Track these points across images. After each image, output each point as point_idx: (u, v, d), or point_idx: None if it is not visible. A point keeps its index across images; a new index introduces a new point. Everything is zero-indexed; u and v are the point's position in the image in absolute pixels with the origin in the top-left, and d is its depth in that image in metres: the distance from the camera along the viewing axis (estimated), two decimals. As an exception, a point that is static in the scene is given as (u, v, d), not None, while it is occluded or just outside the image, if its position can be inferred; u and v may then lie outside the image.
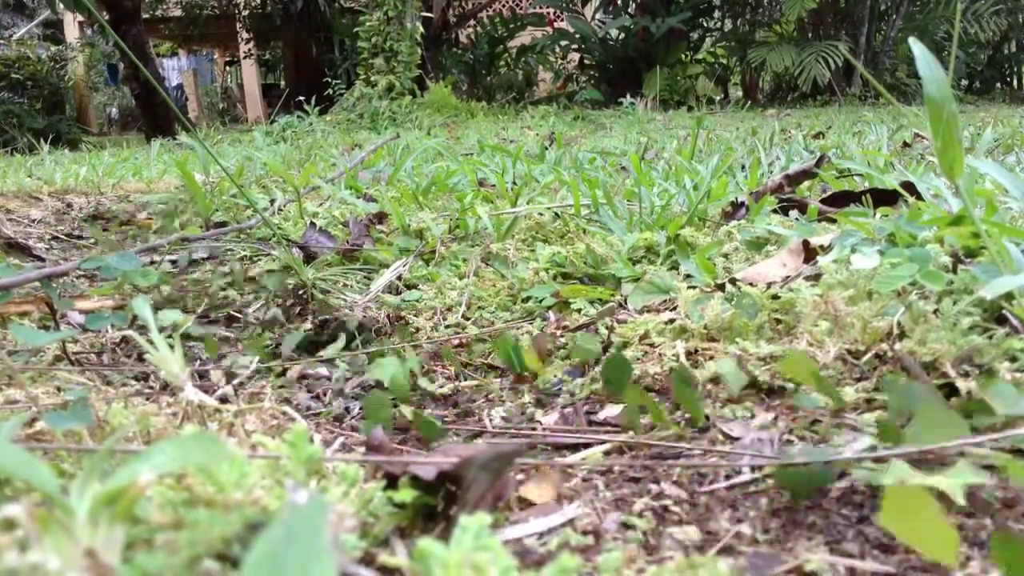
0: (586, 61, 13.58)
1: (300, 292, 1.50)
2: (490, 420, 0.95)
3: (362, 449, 0.82)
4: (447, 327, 1.31)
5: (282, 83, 16.36)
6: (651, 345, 1.08)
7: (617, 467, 0.78)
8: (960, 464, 0.65)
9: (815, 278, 1.14)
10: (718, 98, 12.73)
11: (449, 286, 1.48)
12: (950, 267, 1.04)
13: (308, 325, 1.30)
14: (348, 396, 1.07)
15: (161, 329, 0.99)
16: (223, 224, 2.09)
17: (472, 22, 14.01)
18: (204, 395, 0.80)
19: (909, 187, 1.60)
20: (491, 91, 12.97)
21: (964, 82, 12.83)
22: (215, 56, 19.19)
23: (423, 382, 1.08)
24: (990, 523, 0.63)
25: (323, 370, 1.17)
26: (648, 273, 1.31)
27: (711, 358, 0.99)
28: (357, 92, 9.52)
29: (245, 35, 14.37)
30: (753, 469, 0.74)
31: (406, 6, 9.65)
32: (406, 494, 0.64)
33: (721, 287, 1.24)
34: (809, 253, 1.25)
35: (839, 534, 0.63)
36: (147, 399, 0.96)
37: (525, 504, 0.71)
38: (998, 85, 13.08)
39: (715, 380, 0.95)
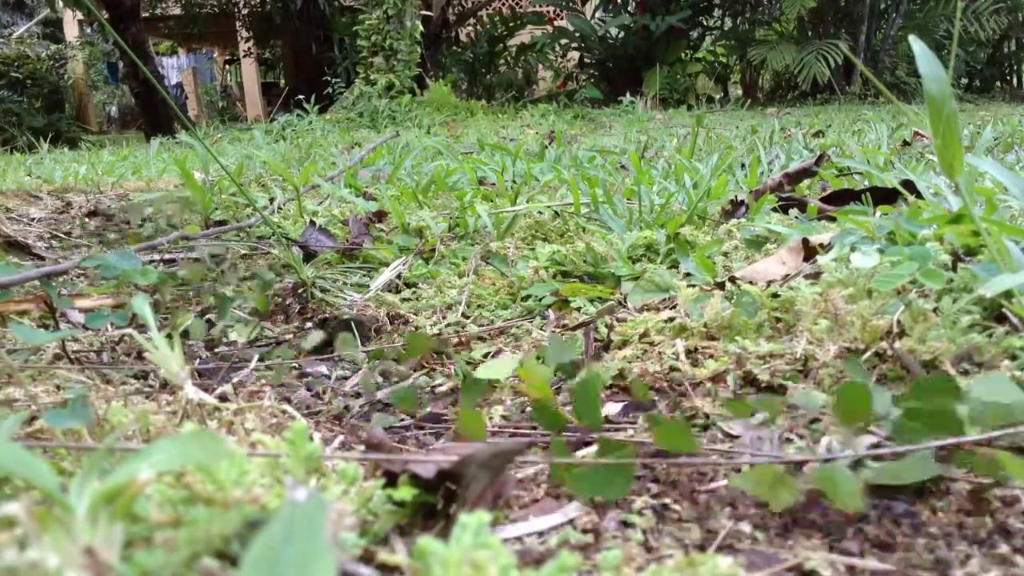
0: (586, 59, 13.57)
1: (300, 291, 1.50)
2: (490, 419, 0.95)
3: (361, 447, 0.82)
4: (447, 326, 1.31)
5: (282, 81, 16.35)
6: (651, 344, 1.08)
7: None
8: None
9: (815, 276, 1.14)
10: (718, 96, 12.72)
11: (449, 284, 1.48)
12: (950, 265, 1.04)
13: (308, 324, 1.30)
14: (347, 395, 1.07)
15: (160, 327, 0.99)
16: (223, 222, 2.09)
17: (472, 21, 14.00)
18: (203, 393, 0.80)
19: (909, 185, 1.60)
20: (491, 90, 12.97)
21: (964, 80, 12.82)
22: (215, 54, 19.17)
23: (423, 380, 1.09)
24: (990, 521, 0.63)
25: (323, 368, 1.17)
26: (648, 271, 1.31)
27: (711, 356, 0.99)
28: (357, 91, 9.51)
29: (244, 34, 14.35)
30: (753, 467, 0.73)
31: (406, 4, 9.65)
32: (405, 492, 0.64)
33: (721, 285, 1.24)
34: (809, 251, 1.25)
35: (839, 532, 0.63)
36: (146, 397, 0.96)
37: (525, 502, 0.71)
38: (998, 83, 13.07)
39: (715, 379, 0.95)
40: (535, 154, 3.41)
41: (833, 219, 1.49)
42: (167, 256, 1.79)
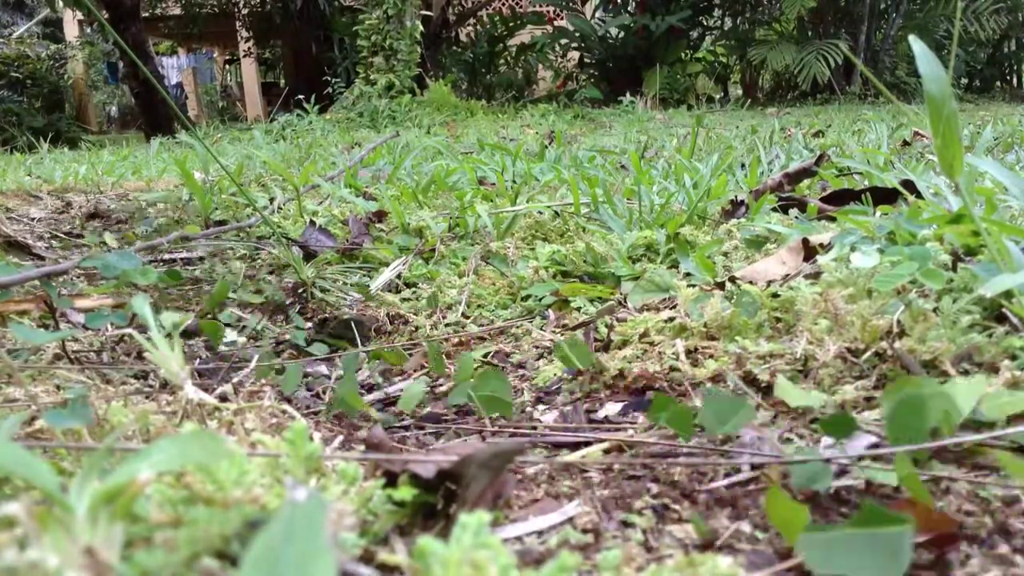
0: (586, 59, 13.57)
1: (300, 291, 1.50)
2: (490, 419, 0.95)
3: (362, 447, 0.82)
4: (447, 325, 1.31)
5: (282, 81, 16.35)
6: (651, 343, 1.08)
7: (617, 465, 0.78)
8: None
9: (815, 276, 1.14)
10: (718, 96, 12.72)
11: (449, 284, 1.48)
12: (950, 265, 1.04)
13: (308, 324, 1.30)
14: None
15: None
16: (223, 222, 2.09)
17: (472, 20, 14.00)
18: (203, 393, 0.80)
19: (909, 185, 1.60)
20: (491, 89, 12.97)
21: (964, 80, 12.82)
22: (215, 54, 19.17)
23: (423, 380, 1.09)
24: (990, 521, 0.63)
25: (323, 368, 1.17)
26: (648, 271, 1.31)
27: (711, 356, 0.99)
28: (357, 90, 9.52)
29: (245, 33, 14.35)
30: (753, 467, 0.74)
31: (406, 4, 9.65)
32: (405, 492, 0.64)
33: (721, 285, 1.24)
34: (809, 251, 1.25)
35: (839, 532, 0.63)
36: (146, 397, 0.96)
37: (525, 502, 0.71)
38: (998, 83, 13.07)
39: (715, 379, 0.95)
40: (535, 154, 3.41)
41: (833, 219, 1.49)
42: (171, 256, 1.79)
